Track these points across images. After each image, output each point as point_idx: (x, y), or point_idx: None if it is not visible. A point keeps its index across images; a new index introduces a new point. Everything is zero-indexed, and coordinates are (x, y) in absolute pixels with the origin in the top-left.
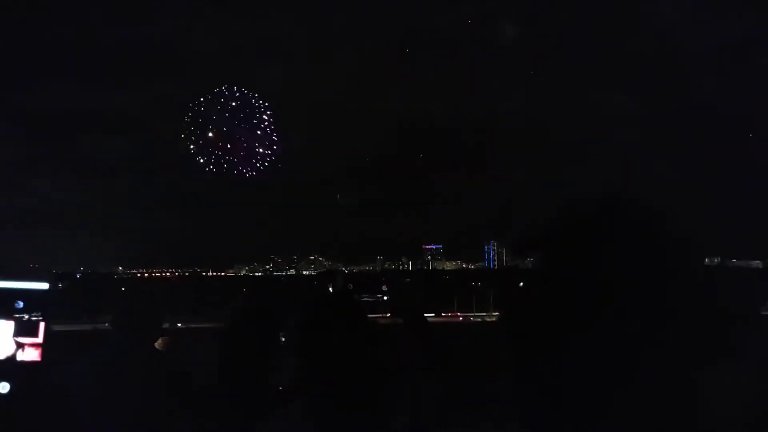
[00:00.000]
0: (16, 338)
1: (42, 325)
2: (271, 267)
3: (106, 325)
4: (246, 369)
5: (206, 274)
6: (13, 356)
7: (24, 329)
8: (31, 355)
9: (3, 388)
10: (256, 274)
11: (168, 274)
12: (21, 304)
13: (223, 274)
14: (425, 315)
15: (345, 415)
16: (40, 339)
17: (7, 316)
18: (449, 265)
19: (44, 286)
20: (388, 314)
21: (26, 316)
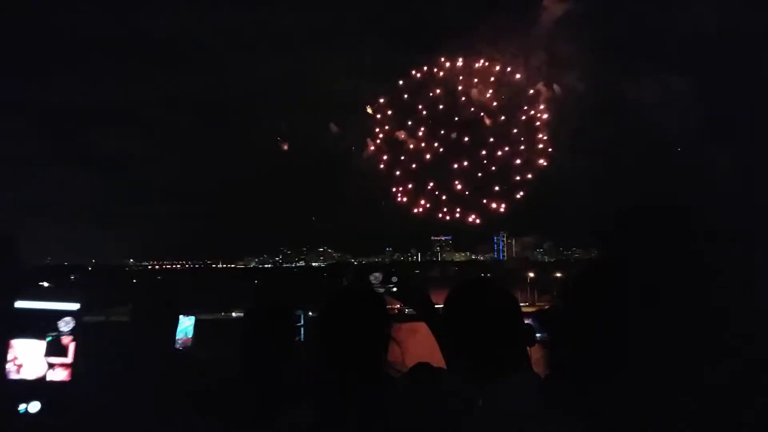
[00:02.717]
0: (47, 358)
1: (72, 345)
2: (280, 258)
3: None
4: (262, 366)
5: (216, 266)
6: (44, 376)
7: (55, 349)
8: (60, 375)
9: (33, 407)
10: (266, 265)
11: (178, 266)
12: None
13: (233, 266)
14: (436, 306)
15: (358, 412)
16: (70, 359)
17: (40, 336)
18: (458, 257)
19: (75, 306)
20: (399, 305)
21: (57, 336)
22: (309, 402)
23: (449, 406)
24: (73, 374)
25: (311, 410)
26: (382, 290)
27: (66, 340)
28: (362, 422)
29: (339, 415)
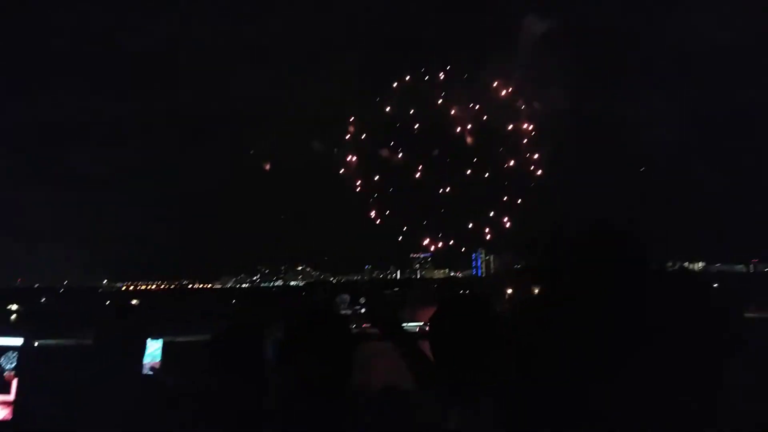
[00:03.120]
0: None
1: (15, 381)
2: (258, 278)
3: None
4: (231, 386)
5: (193, 287)
6: None
7: None
8: (0, 414)
9: None
10: (243, 285)
11: (154, 286)
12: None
13: (210, 286)
14: (403, 324)
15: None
16: (11, 396)
17: None
18: (438, 274)
19: (18, 341)
20: (367, 325)
21: None
22: (278, 423)
23: (419, 428)
24: (14, 412)
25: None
26: (349, 312)
27: (8, 376)
28: None
29: None
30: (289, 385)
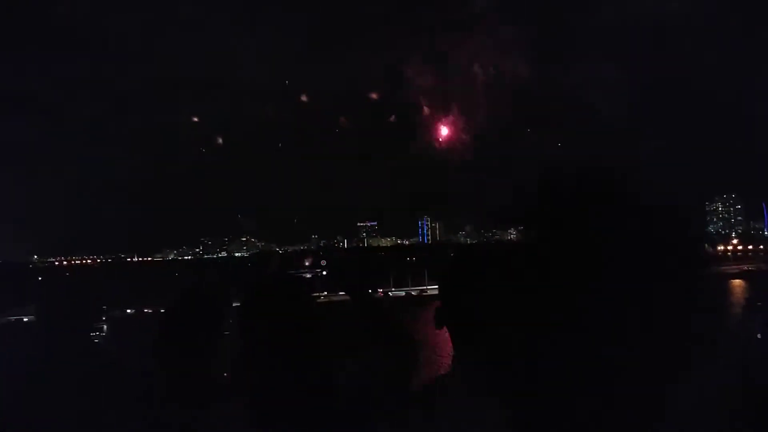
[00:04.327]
0: None
1: None
2: (201, 250)
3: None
4: (185, 356)
5: (131, 260)
6: None
7: None
8: None
9: None
10: (186, 257)
11: (89, 261)
12: None
13: (149, 259)
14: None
15: (290, 402)
16: None
17: None
18: (384, 242)
19: None
20: (341, 293)
21: None
22: (242, 395)
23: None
24: None
25: (240, 404)
26: (309, 276)
27: None
28: (291, 412)
29: (268, 408)
30: (252, 355)
